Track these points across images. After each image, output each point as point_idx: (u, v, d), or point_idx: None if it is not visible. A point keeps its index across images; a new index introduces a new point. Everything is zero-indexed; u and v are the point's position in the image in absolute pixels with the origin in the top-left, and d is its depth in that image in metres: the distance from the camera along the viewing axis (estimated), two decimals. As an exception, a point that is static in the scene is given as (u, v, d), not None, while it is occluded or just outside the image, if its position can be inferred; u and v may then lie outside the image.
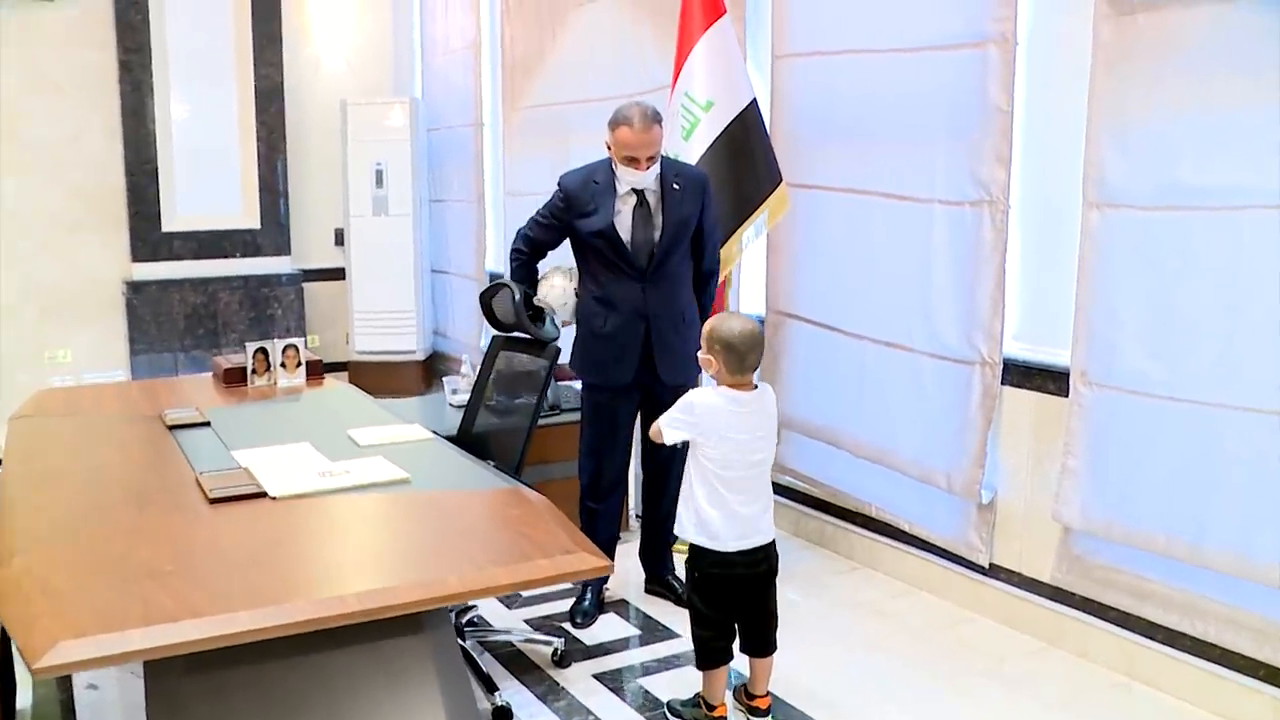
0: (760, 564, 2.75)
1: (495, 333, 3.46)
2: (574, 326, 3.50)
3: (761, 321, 4.21)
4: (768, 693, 2.86)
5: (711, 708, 2.80)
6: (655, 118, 3.28)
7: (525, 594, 3.64)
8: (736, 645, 2.82)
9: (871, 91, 3.72)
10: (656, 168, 3.33)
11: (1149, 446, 2.95)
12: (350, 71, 7.25)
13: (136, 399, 3.58)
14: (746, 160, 3.84)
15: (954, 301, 3.48)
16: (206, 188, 6.61)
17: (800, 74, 4.02)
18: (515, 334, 3.38)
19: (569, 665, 3.20)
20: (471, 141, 6.51)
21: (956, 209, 3.44)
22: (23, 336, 6.34)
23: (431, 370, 7.18)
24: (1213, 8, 2.71)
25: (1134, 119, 2.90)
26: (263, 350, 3.75)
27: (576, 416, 4.03)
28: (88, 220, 6.46)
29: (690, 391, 2.75)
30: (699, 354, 2.72)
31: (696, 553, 2.75)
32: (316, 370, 3.85)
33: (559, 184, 3.45)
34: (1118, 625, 3.16)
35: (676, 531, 2.81)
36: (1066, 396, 3.18)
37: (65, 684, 3.03)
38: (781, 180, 3.88)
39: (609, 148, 3.34)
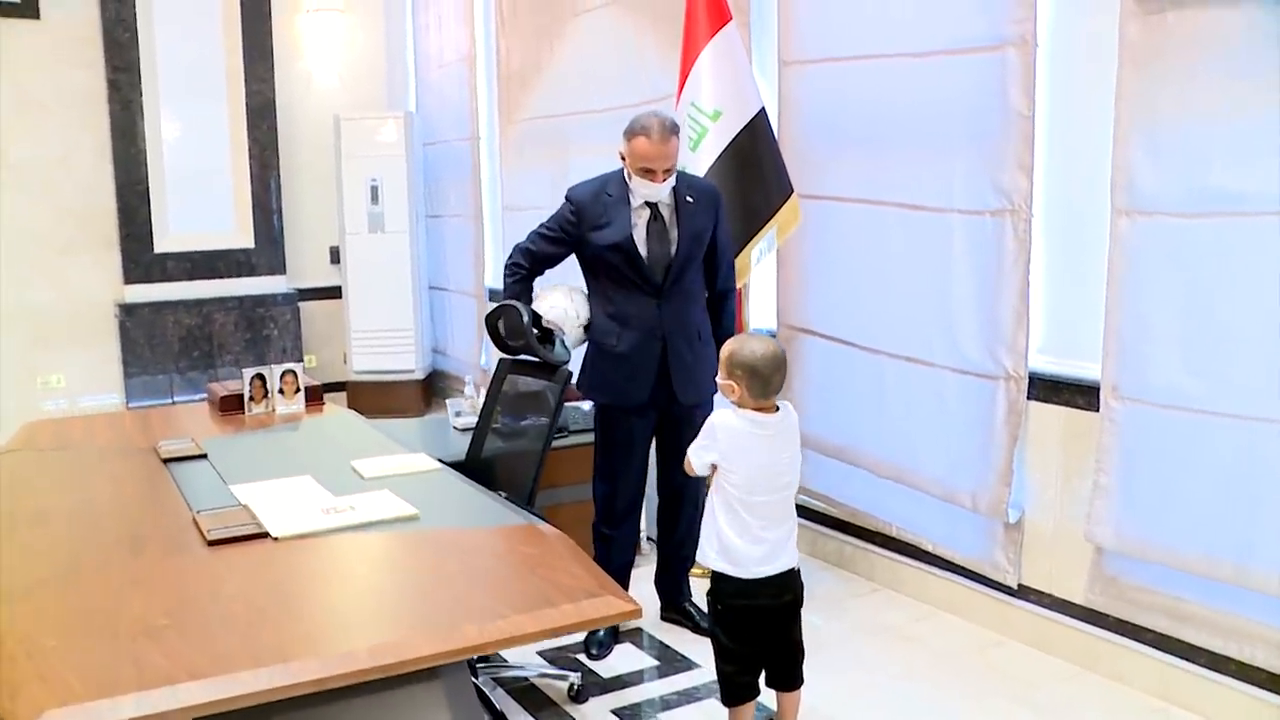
0: (784, 594, 2.62)
1: (501, 355, 3.33)
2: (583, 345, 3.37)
3: (773, 336, 4.09)
4: (797, 728, 2.73)
5: (739, 746, 2.67)
6: (673, 129, 3.18)
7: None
8: (762, 679, 2.70)
9: (885, 98, 3.61)
10: (672, 180, 3.22)
11: (1187, 463, 2.83)
12: (343, 86, 7.13)
13: (129, 429, 3.45)
14: (756, 170, 3.72)
15: (975, 314, 3.36)
16: (199, 207, 6.49)
17: (809, 81, 3.91)
18: (523, 356, 3.26)
19: (586, 700, 3.07)
20: (468, 156, 6.39)
21: (977, 218, 3.32)
22: (14, 361, 6.22)
23: (431, 389, 7.06)
24: (1246, 5, 2.60)
25: (1165, 121, 2.79)
26: (260, 376, 3.62)
27: (585, 439, 3.92)
28: (78, 242, 6.35)
29: (713, 414, 2.63)
30: (718, 379, 2.59)
31: (718, 581, 2.63)
32: (316, 396, 3.73)
33: (568, 197, 3.33)
34: (1155, 648, 3.03)
35: (698, 559, 2.69)
36: (1096, 411, 3.06)
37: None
38: (793, 191, 3.76)
39: (623, 158, 3.23)
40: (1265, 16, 2.57)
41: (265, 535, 2.28)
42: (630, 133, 3.19)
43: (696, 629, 3.47)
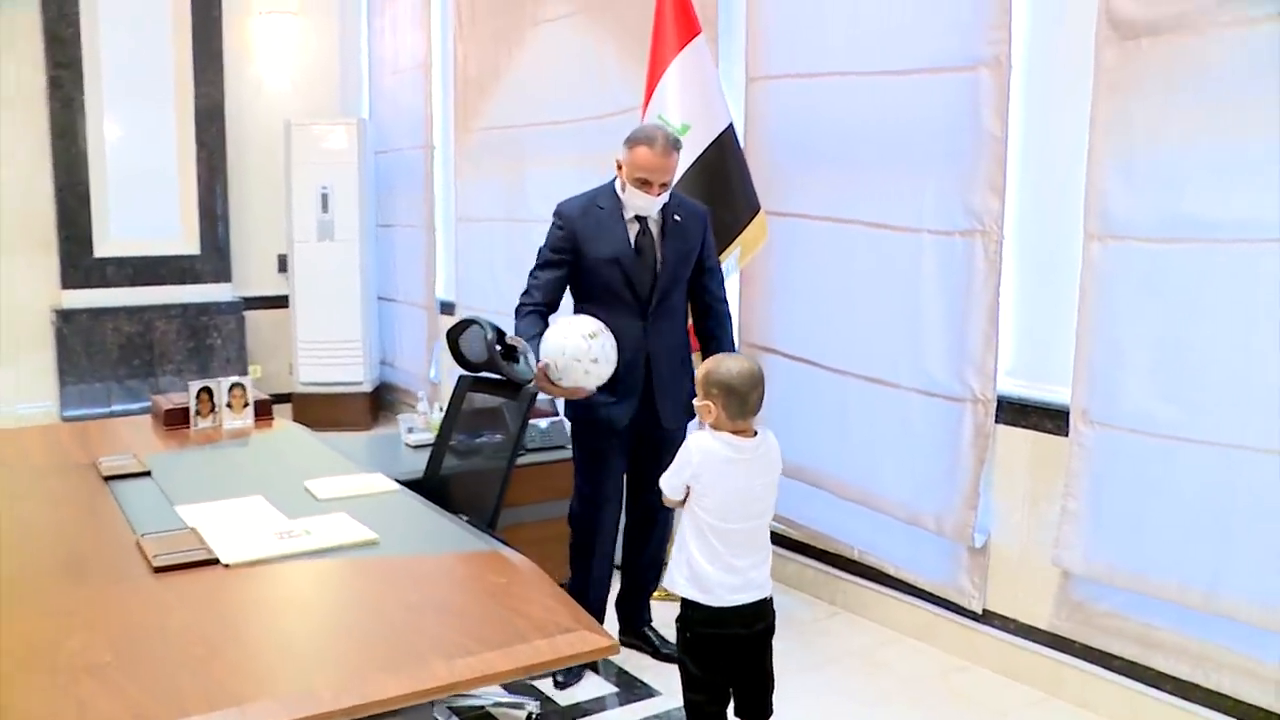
0: (757, 623, 2.55)
1: (462, 372, 3.22)
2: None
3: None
4: (765, 760, 2.65)
5: (706, 778, 2.59)
6: (676, 145, 3.12)
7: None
8: (730, 709, 2.62)
9: (855, 116, 3.57)
10: (665, 197, 3.15)
11: (1157, 489, 2.81)
12: (295, 91, 6.95)
13: (67, 444, 3.29)
14: (723, 186, 3.66)
15: (944, 336, 3.33)
16: (142, 211, 6.29)
17: (778, 97, 3.86)
18: (484, 374, 3.15)
19: (545, 730, 2.98)
20: (421, 164, 6.26)
21: (946, 239, 3.29)
22: (-57, 368, 5.96)
23: (379, 402, 6.91)
24: (1222, 32, 2.59)
25: (1139, 147, 2.77)
26: (207, 390, 3.48)
27: (545, 457, 3.83)
28: (13, 244, 6.11)
29: (689, 437, 2.54)
30: (695, 401, 2.51)
31: (688, 609, 2.55)
32: (265, 410, 3.59)
33: (557, 213, 3.23)
34: (1122, 674, 3.01)
35: (665, 585, 2.60)
36: (1065, 435, 3.03)
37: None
38: (760, 208, 3.71)
39: (619, 166, 3.15)
40: (1240, 44, 2.57)
41: (215, 562, 2.16)
42: (632, 141, 3.12)
43: (656, 655, 3.39)
